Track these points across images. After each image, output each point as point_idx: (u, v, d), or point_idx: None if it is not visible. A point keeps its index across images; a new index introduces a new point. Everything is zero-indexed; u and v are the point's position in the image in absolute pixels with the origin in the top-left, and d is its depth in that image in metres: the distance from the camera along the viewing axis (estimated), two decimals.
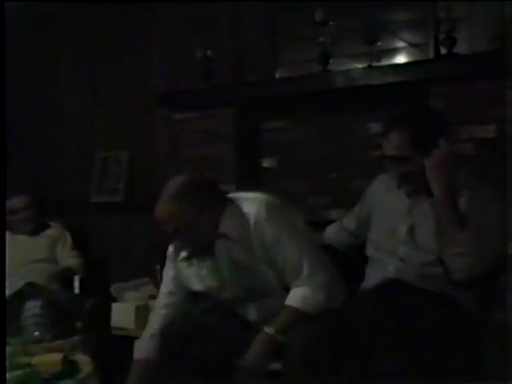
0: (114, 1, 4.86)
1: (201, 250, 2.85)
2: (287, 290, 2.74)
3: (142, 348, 2.96)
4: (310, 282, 2.68)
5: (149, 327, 3.02)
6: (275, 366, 2.65)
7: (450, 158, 2.61)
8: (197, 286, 2.94)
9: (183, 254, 2.92)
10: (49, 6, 5.10)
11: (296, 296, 2.70)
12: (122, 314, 3.80)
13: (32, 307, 3.90)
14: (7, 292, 3.97)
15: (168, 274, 3.04)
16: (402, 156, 2.69)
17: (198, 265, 2.90)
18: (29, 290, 4.04)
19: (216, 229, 2.77)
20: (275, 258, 2.73)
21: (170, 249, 3.00)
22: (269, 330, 2.64)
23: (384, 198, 2.96)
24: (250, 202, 2.79)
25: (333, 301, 2.71)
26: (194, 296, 3.02)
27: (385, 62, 3.75)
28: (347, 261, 3.15)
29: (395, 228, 2.81)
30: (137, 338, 3.08)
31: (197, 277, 2.92)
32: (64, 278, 4.29)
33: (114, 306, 3.90)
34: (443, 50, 3.52)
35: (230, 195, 2.88)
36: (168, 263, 3.04)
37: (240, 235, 2.74)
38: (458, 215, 2.55)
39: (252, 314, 2.89)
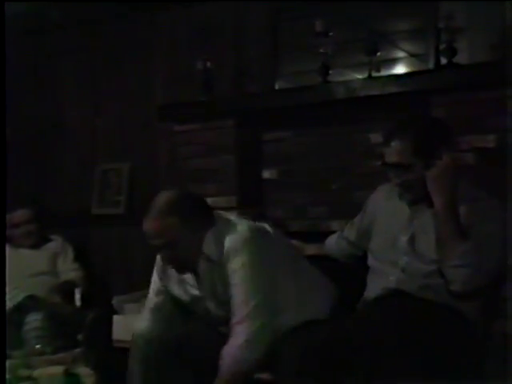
0: (115, 12, 4.87)
1: (185, 267, 2.84)
2: None
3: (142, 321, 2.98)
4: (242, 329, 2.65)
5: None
6: (266, 376, 2.65)
7: (452, 169, 2.61)
8: (180, 294, 2.95)
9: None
10: (50, 17, 5.11)
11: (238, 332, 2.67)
12: (123, 327, 3.78)
13: (33, 320, 3.90)
14: (8, 305, 3.97)
15: (155, 277, 3.05)
16: (403, 163, 2.68)
17: (180, 277, 2.91)
18: (30, 303, 4.04)
19: (200, 247, 2.77)
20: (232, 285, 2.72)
21: (158, 259, 2.99)
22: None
23: (385, 208, 2.95)
24: (233, 227, 2.77)
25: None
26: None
27: (385, 73, 3.74)
28: (348, 271, 3.15)
29: (396, 238, 2.80)
30: None
31: (181, 287, 2.93)
32: (65, 290, 4.28)
33: (116, 318, 3.89)
34: (443, 60, 3.53)
35: (218, 213, 2.87)
36: (155, 269, 3.04)
37: (219, 257, 2.74)
38: (458, 227, 2.54)
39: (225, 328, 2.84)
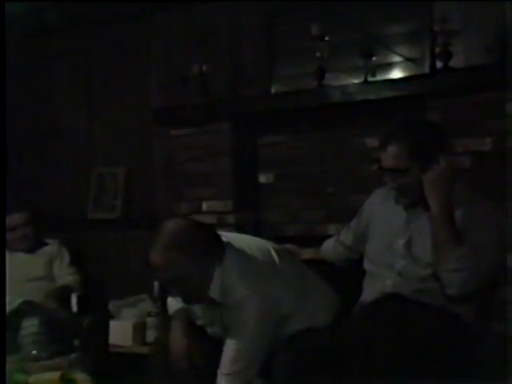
0: (111, 15, 4.87)
1: (193, 301, 2.79)
2: None
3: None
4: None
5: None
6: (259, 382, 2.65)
7: (449, 173, 2.61)
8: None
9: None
10: (45, 20, 5.11)
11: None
12: (119, 332, 3.79)
13: (29, 325, 3.89)
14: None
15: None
16: (399, 168, 2.69)
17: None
18: (26, 309, 4.03)
19: (207, 286, 2.67)
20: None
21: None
22: None
23: (381, 212, 2.95)
24: (240, 266, 2.67)
25: None
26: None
27: (380, 77, 3.75)
28: (345, 275, 3.15)
29: (392, 242, 2.80)
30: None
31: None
32: (61, 296, 4.27)
33: (112, 323, 3.88)
34: (439, 64, 3.53)
35: (228, 244, 2.73)
36: None
37: (223, 300, 2.67)
38: (454, 230, 2.55)
39: None
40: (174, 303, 2.97)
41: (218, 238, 2.73)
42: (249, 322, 2.61)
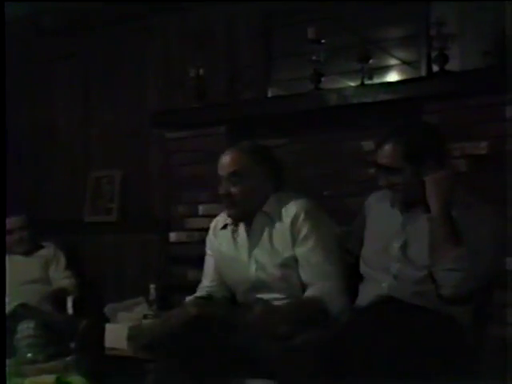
0: (108, 19, 4.88)
1: (242, 212, 2.93)
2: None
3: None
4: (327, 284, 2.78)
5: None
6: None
7: (452, 176, 2.65)
8: (229, 250, 3.02)
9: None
10: (42, 24, 5.12)
11: (315, 290, 2.78)
12: (115, 335, 3.78)
13: (25, 328, 3.89)
14: None
15: (208, 260, 3.13)
16: (392, 166, 2.72)
17: (232, 234, 3.02)
18: (22, 311, 4.03)
19: (261, 203, 2.90)
20: (299, 255, 2.83)
21: (214, 223, 3.14)
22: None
23: (377, 215, 2.95)
24: (296, 197, 2.90)
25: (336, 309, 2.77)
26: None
27: (377, 80, 3.75)
28: None
29: (388, 245, 2.80)
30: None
31: (231, 245, 3.02)
32: (57, 298, 4.27)
33: (108, 326, 3.88)
34: (435, 67, 3.53)
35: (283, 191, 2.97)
36: (209, 245, 3.14)
37: (279, 218, 2.87)
38: (453, 232, 2.56)
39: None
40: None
41: (282, 173, 3.01)
42: (315, 228, 2.83)
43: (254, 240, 2.93)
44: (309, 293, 2.81)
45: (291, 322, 2.67)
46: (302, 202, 2.87)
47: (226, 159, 2.93)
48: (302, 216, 2.82)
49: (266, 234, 2.90)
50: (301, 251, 2.82)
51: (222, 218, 3.10)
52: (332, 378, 2.44)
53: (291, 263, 2.85)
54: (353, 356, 2.47)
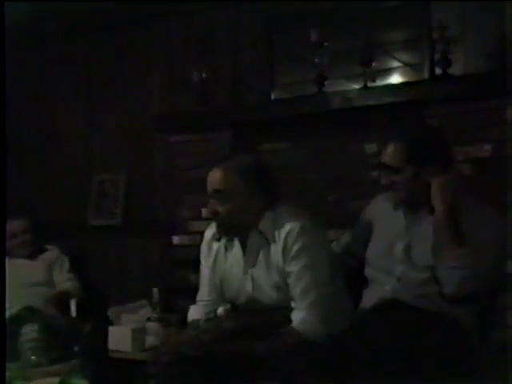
0: (112, 23, 4.89)
1: (234, 231, 2.88)
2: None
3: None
4: (307, 315, 2.70)
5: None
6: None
7: (457, 179, 2.71)
8: (224, 269, 2.98)
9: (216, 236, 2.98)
10: (46, 28, 5.13)
11: (295, 320, 2.71)
12: (118, 337, 3.78)
13: (29, 331, 3.89)
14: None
15: (203, 271, 3.08)
16: (393, 166, 2.75)
17: (226, 248, 2.97)
18: (25, 315, 4.02)
19: (256, 222, 2.81)
20: (288, 274, 2.76)
21: (207, 233, 3.07)
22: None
23: (381, 218, 2.96)
24: (293, 216, 2.81)
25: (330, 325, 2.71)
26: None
27: (380, 83, 3.75)
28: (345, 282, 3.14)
29: (392, 247, 2.81)
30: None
31: (226, 262, 2.97)
32: (61, 301, 4.27)
33: (111, 329, 3.88)
34: (438, 71, 3.54)
35: (281, 202, 2.90)
36: (202, 256, 3.08)
37: (273, 238, 2.78)
38: (457, 232, 2.58)
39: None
40: (194, 311, 3.03)
41: (278, 189, 2.93)
42: (306, 247, 2.74)
43: (250, 259, 2.87)
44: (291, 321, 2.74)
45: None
46: (297, 219, 2.77)
47: (212, 177, 2.83)
48: (293, 236, 2.73)
49: (261, 256, 2.83)
50: (289, 270, 2.75)
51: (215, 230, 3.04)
52: (336, 381, 2.45)
53: (285, 285, 2.79)
54: (357, 358, 2.48)
